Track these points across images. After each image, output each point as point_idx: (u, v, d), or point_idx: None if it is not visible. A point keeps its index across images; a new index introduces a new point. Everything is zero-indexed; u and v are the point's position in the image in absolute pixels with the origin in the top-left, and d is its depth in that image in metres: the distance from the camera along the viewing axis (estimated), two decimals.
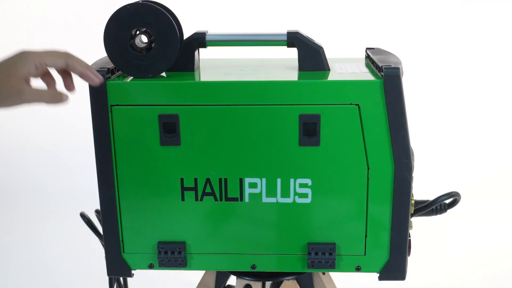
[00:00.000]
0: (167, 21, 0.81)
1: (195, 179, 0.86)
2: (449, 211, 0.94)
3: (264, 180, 0.85)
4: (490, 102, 2.50)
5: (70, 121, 2.48)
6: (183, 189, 0.86)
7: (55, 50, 0.76)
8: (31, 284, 1.83)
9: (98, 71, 0.82)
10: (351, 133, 0.82)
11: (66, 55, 0.76)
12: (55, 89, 0.78)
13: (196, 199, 0.86)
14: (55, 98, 0.77)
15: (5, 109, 0.75)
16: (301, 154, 0.83)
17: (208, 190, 0.86)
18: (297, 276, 0.96)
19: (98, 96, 0.82)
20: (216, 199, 0.86)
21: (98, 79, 0.79)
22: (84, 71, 0.77)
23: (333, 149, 0.83)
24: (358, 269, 0.89)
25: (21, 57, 0.74)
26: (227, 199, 0.86)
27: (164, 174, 0.85)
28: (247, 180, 0.85)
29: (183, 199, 0.86)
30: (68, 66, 0.77)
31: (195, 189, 0.86)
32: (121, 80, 0.84)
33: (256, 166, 0.84)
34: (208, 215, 0.87)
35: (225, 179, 0.85)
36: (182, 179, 0.86)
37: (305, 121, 0.82)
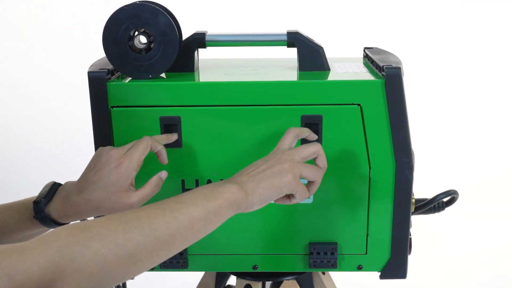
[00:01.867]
0: (165, 21, 0.81)
1: (196, 181, 0.85)
2: (449, 211, 0.94)
3: None
4: (490, 102, 2.50)
5: (71, 122, 2.48)
6: (184, 190, 0.86)
7: (143, 144, 0.78)
8: None
9: (97, 72, 0.82)
10: (353, 133, 0.82)
11: (148, 143, 0.78)
12: (155, 179, 0.80)
13: None
14: (159, 185, 0.79)
15: None
16: None
17: None
18: (297, 276, 0.96)
19: (98, 98, 0.82)
20: None
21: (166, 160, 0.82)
22: (161, 151, 0.81)
23: (334, 149, 0.83)
24: (359, 268, 0.89)
25: (120, 169, 0.76)
26: None
27: (166, 180, 0.83)
28: None
29: None
30: (152, 149, 0.80)
31: None
32: (121, 81, 0.84)
33: None
34: None
35: None
36: (183, 181, 0.86)
37: (307, 122, 0.82)
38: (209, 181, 0.85)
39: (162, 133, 0.83)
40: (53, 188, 0.80)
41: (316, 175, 0.76)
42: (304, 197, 0.75)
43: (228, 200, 0.70)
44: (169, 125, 0.83)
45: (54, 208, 0.79)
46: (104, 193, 0.75)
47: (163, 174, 0.81)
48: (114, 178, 0.75)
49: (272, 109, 0.82)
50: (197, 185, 0.86)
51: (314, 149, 0.77)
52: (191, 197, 0.69)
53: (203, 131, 0.83)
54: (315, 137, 0.81)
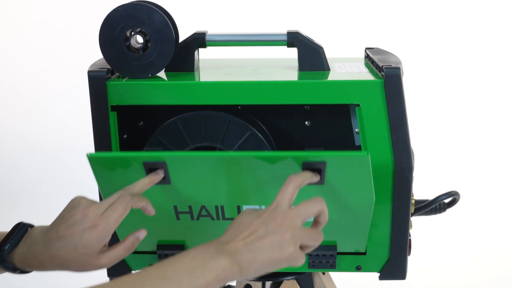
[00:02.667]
0: (159, 18, 0.81)
1: (190, 207, 0.80)
2: (449, 210, 0.94)
3: (263, 206, 0.79)
4: (490, 102, 2.50)
5: (70, 121, 2.48)
6: (177, 212, 0.81)
7: (122, 205, 0.70)
8: (31, 284, 1.83)
9: (97, 71, 0.82)
10: (359, 177, 0.75)
11: (128, 205, 0.71)
12: (130, 239, 0.73)
13: (192, 219, 0.81)
14: (134, 246, 0.73)
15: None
16: None
17: (204, 213, 0.80)
18: (297, 276, 0.96)
19: (98, 97, 0.82)
20: (213, 219, 0.81)
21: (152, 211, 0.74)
22: (144, 205, 0.73)
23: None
24: (358, 268, 0.89)
25: (94, 232, 0.68)
26: (225, 219, 0.81)
27: (156, 203, 0.76)
28: (246, 206, 0.79)
29: (178, 219, 0.81)
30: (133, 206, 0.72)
31: (190, 212, 0.81)
32: (121, 80, 0.84)
33: (254, 199, 0.78)
34: (206, 226, 0.82)
35: (222, 206, 0.80)
36: (175, 207, 0.80)
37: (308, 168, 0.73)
38: (203, 206, 0.79)
39: (146, 174, 0.74)
40: (21, 232, 0.74)
41: (316, 241, 0.69)
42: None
43: (219, 277, 0.63)
44: (154, 169, 0.75)
45: (18, 255, 0.73)
46: (73, 252, 0.69)
47: (141, 234, 0.74)
48: (86, 240, 0.68)
49: (268, 157, 0.72)
50: (190, 211, 0.80)
51: (318, 208, 0.69)
52: (177, 270, 0.62)
53: (193, 176, 0.75)
54: (317, 178, 0.72)
